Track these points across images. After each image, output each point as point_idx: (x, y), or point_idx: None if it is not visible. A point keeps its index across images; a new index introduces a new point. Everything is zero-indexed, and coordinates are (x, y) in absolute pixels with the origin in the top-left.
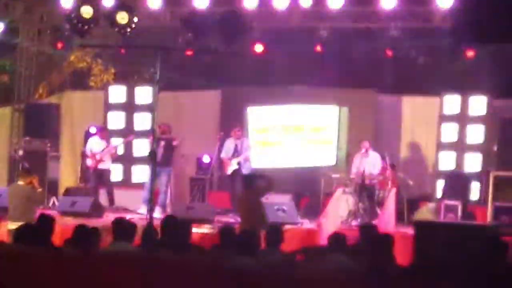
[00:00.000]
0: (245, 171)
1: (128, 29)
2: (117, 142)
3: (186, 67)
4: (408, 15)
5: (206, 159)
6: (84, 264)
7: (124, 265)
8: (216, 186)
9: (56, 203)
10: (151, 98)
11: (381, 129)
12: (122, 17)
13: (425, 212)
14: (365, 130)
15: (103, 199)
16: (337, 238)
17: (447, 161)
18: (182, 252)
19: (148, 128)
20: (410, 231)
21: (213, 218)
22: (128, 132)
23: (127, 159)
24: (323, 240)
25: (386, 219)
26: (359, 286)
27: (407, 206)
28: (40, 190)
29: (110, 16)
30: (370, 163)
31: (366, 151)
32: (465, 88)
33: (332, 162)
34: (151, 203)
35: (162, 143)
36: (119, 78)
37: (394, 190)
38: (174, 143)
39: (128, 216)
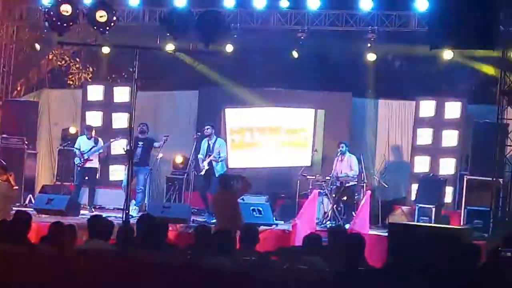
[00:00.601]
0: (217, 171)
1: (107, 28)
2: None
3: (164, 67)
4: (385, 19)
5: (178, 159)
6: (59, 261)
7: (99, 263)
8: (192, 186)
9: (33, 200)
10: (129, 97)
11: (357, 132)
12: (101, 16)
13: (399, 215)
14: (341, 133)
15: (84, 197)
16: (312, 239)
17: (421, 165)
18: (157, 251)
19: (126, 127)
20: (384, 233)
21: (188, 218)
22: (105, 131)
23: (102, 158)
24: (298, 241)
25: (361, 221)
26: (332, 286)
27: (381, 209)
28: (16, 187)
29: (89, 14)
30: (347, 165)
31: (343, 153)
32: (440, 93)
33: (308, 163)
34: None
35: (141, 143)
36: (97, 77)
37: (368, 193)
38: (157, 144)
39: (104, 215)
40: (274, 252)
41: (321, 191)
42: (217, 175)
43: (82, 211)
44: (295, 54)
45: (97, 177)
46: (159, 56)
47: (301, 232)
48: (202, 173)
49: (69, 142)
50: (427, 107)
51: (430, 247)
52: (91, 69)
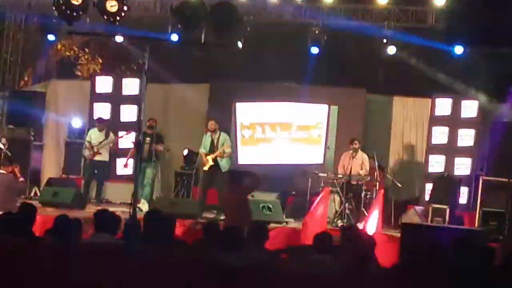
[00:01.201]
0: (223, 167)
1: (118, 18)
2: (119, 135)
3: (175, 59)
4: (401, 14)
5: (190, 152)
6: (64, 254)
7: (105, 257)
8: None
9: (38, 193)
10: (138, 90)
11: (371, 129)
12: (111, 5)
13: (412, 215)
14: (354, 130)
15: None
16: (322, 238)
17: (436, 164)
18: (164, 247)
19: (134, 120)
20: (396, 234)
21: (197, 214)
22: (113, 123)
23: (111, 152)
24: (308, 240)
25: (373, 221)
26: (342, 286)
27: (394, 209)
28: (21, 179)
29: (99, 3)
30: (358, 163)
31: (355, 150)
32: (457, 90)
33: (320, 161)
34: (136, 196)
35: (148, 138)
36: (106, 68)
37: (381, 192)
38: (160, 147)
39: (111, 209)
40: (284, 250)
41: (333, 189)
42: (223, 171)
43: (88, 205)
44: (314, 50)
45: (107, 171)
46: (170, 48)
47: (311, 231)
48: (206, 168)
49: (76, 135)
50: (443, 105)
51: (443, 248)
52: (100, 60)
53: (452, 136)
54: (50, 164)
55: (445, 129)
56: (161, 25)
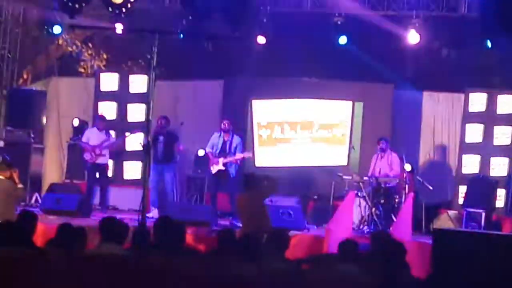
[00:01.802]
0: (232, 172)
1: (124, 10)
2: (121, 135)
3: (186, 54)
4: (431, 2)
5: (201, 153)
6: (68, 266)
7: (112, 269)
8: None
9: (39, 200)
10: (146, 87)
11: (399, 127)
12: None
13: (445, 220)
14: (381, 128)
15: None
16: (347, 246)
17: (470, 165)
18: (176, 257)
19: (143, 119)
20: (428, 240)
21: (211, 221)
22: (120, 123)
23: (118, 154)
24: (332, 248)
25: (402, 226)
26: None
27: (425, 213)
28: (21, 185)
29: None
30: (386, 164)
31: (383, 151)
32: (492, 84)
33: (344, 162)
34: (144, 201)
35: (161, 138)
36: (111, 65)
37: (411, 195)
38: (181, 147)
39: (119, 216)
40: (306, 260)
41: (358, 193)
42: (232, 175)
43: (94, 213)
44: (342, 40)
45: (109, 174)
46: (180, 42)
47: (335, 238)
48: (214, 171)
49: (79, 136)
50: (478, 101)
51: (480, 256)
52: (105, 56)
53: (488, 134)
54: (52, 169)
55: (480, 127)
56: (170, 17)
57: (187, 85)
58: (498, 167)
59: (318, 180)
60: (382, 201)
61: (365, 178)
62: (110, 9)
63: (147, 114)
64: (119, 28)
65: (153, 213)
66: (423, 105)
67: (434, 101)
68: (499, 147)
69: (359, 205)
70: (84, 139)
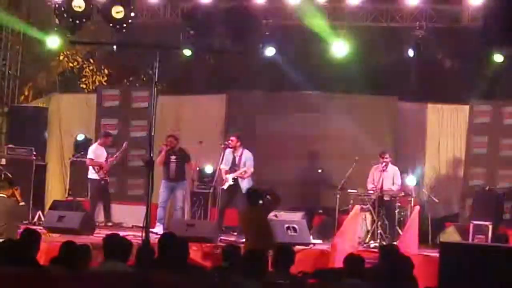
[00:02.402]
0: (244, 187)
1: (124, 25)
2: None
3: (188, 68)
4: (434, 14)
5: (208, 169)
6: (72, 285)
7: (116, 286)
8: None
9: (42, 218)
10: (148, 103)
11: (403, 140)
12: (117, 12)
13: (451, 233)
14: (385, 141)
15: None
16: (353, 261)
17: (477, 177)
18: (180, 273)
19: (145, 135)
20: (434, 253)
21: (216, 237)
22: (122, 139)
23: (121, 171)
24: (338, 263)
25: (408, 240)
26: None
27: (431, 226)
28: (23, 203)
29: (104, 10)
30: (389, 177)
31: (386, 164)
32: (497, 96)
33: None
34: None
35: (173, 157)
36: (113, 80)
37: (417, 209)
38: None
39: (122, 233)
40: (312, 275)
41: (364, 206)
42: (243, 192)
43: (97, 230)
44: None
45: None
46: (182, 56)
47: (341, 252)
48: (225, 187)
49: (82, 153)
50: (483, 112)
51: (488, 269)
52: (106, 72)
53: (494, 146)
54: (55, 186)
55: (486, 138)
56: (171, 32)
57: (189, 100)
58: (504, 179)
59: (322, 194)
60: (388, 214)
61: (370, 191)
62: (111, 24)
63: (150, 130)
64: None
65: (158, 229)
66: (427, 117)
67: (439, 113)
68: (505, 158)
69: (365, 219)
70: (91, 156)
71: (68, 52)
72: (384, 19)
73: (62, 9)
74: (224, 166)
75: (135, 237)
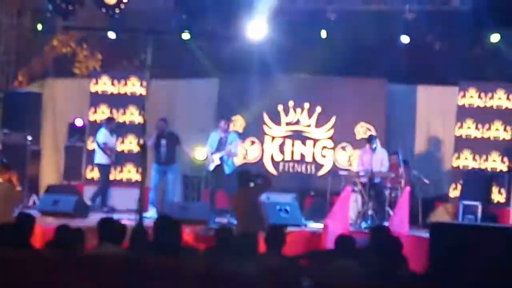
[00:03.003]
0: (228, 167)
1: (117, 10)
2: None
3: (180, 53)
4: None
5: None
6: (67, 267)
7: (110, 269)
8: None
9: (37, 202)
10: (141, 87)
11: (393, 122)
12: None
13: (441, 214)
14: (376, 124)
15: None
16: (345, 241)
17: (466, 158)
18: (174, 256)
19: (138, 120)
20: (425, 234)
21: (209, 219)
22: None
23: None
24: (329, 244)
25: (399, 221)
26: None
27: (421, 207)
28: (19, 188)
29: None
30: (378, 160)
31: (375, 149)
32: (486, 78)
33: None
34: (142, 201)
35: (163, 141)
36: (106, 65)
37: (407, 190)
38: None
39: (116, 217)
40: (304, 256)
41: (355, 188)
42: (227, 172)
43: (92, 213)
44: (323, 33)
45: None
46: (174, 41)
47: (333, 234)
48: (211, 168)
49: (77, 138)
50: (472, 94)
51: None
52: (99, 57)
53: (483, 128)
54: (49, 170)
55: (475, 120)
56: (164, 17)
57: (182, 84)
58: (494, 160)
59: (314, 176)
60: (379, 196)
61: (361, 173)
62: (103, 10)
63: (143, 114)
64: (111, 35)
65: (151, 213)
66: (417, 99)
67: (428, 95)
68: (494, 140)
69: (356, 200)
70: (105, 141)
71: (61, 38)
72: (374, 2)
73: None
74: (210, 148)
75: (129, 220)
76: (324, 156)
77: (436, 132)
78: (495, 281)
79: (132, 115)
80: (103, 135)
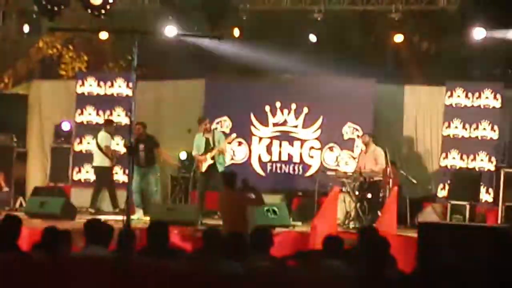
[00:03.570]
0: (220, 164)
1: (103, 11)
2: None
3: (166, 53)
4: None
5: (183, 155)
6: (53, 270)
7: (97, 271)
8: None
9: (24, 203)
10: (128, 88)
11: (381, 122)
12: None
13: (429, 214)
14: (364, 123)
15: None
16: (333, 242)
17: (454, 158)
18: (162, 257)
19: (125, 121)
20: (413, 234)
21: (196, 220)
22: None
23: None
24: (317, 244)
25: (387, 221)
26: None
27: (409, 207)
28: (6, 189)
29: None
30: (370, 159)
31: (366, 145)
32: (473, 77)
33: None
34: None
35: (142, 145)
36: (92, 67)
37: (395, 189)
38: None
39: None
40: (292, 257)
41: (343, 188)
42: (220, 170)
43: (79, 215)
44: (313, 37)
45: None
46: (161, 42)
47: (321, 234)
48: (203, 169)
49: (63, 139)
50: (460, 94)
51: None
52: (85, 58)
53: (470, 127)
54: (36, 172)
55: (463, 120)
56: (150, 18)
57: (168, 85)
58: (481, 159)
59: (302, 176)
60: (367, 196)
61: (349, 173)
62: (89, 11)
63: (130, 116)
64: (103, 35)
65: (138, 214)
66: (405, 99)
67: (416, 95)
68: (482, 139)
69: (344, 201)
70: (107, 143)
71: (47, 39)
72: (360, 2)
73: None
74: (196, 152)
75: (116, 222)
76: (311, 157)
77: (423, 132)
78: (484, 281)
79: (119, 116)
80: (105, 137)
